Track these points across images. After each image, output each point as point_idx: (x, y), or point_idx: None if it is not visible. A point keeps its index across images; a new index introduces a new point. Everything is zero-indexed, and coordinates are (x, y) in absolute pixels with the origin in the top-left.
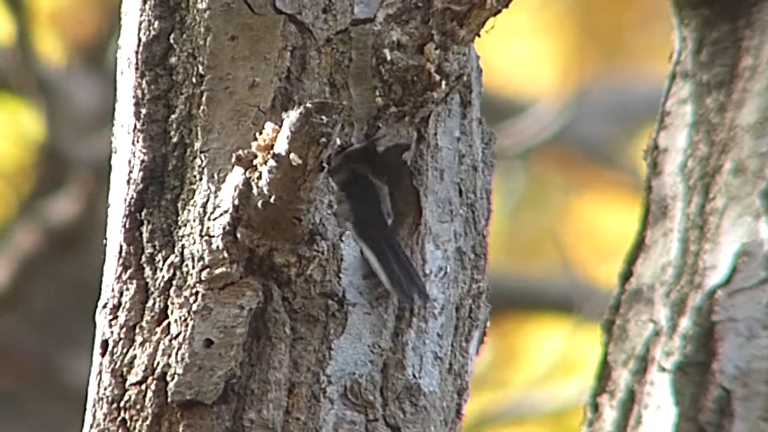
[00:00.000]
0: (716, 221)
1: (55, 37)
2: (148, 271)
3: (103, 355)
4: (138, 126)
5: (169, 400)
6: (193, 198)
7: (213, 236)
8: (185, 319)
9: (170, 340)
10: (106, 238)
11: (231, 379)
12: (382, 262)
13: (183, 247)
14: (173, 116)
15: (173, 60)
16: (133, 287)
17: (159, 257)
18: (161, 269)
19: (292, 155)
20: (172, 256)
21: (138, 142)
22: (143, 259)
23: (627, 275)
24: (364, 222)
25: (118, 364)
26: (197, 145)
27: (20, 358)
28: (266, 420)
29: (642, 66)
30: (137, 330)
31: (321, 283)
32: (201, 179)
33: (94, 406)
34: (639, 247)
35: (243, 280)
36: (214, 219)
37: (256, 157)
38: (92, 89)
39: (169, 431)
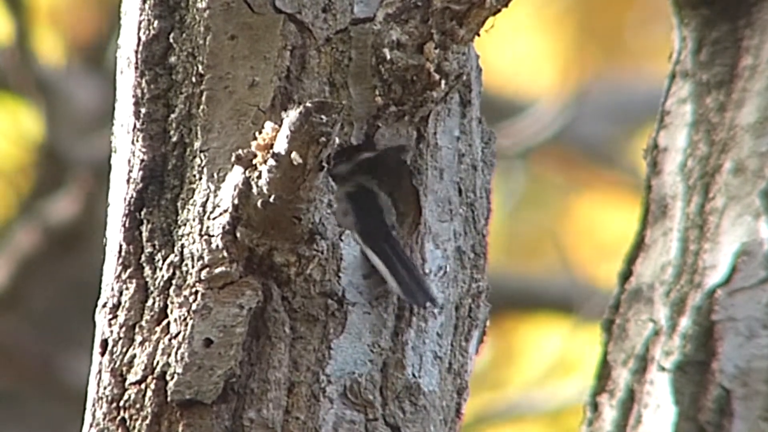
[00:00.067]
0: (716, 221)
1: (55, 37)
2: (147, 271)
3: (102, 354)
4: (138, 125)
5: (168, 399)
6: (192, 197)
7: (213, 235)
8: (185, 319)
9: (170, 340)
10: (105, 238)
11: (230, 378)
12: (390, 269)
13: (183, 246)
14: (173, 115)
15: (173, 59)
16: (132, 286)
17: (159, 256)
18: (161, 268)
19: (292, 154)
20: (172, 256)
21: (138, 141)
22: (143, 258)
23: (627, 275)
24: (368, 231)
25: (118, 363)
26: (197, 144)
27: (20, 358)
28: (266, 419)
29: (642, 66)
30: (137, 329)
31: (320, 283)
32: (201, 178)
33: (93, 405)
34: (639, 246)
35: (242, 280)
36: (214, 218)
37: (255, 156)
38: (92, 89)
39: (168, 430)
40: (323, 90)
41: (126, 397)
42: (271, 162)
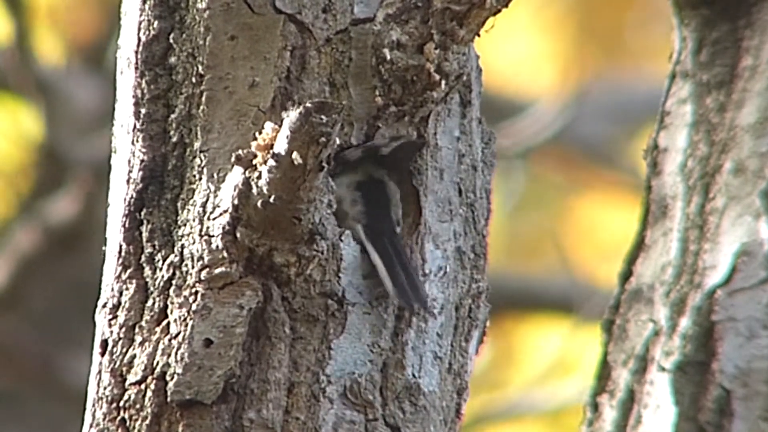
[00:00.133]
0: (716, 221)
1: (55, 37)
2: (147, 271)
3: (102, 354)
4: (137, 126)
5: (168, 399)
6: (192, 197)
7: (212, 236)
8: (185, 319)
9: (170, 340)
10: (105, 238)
11: (230, 378)
12: (388, 268)
13: (183, 246)
14: (173, 116)
15: (173, 60)
16: (132, 287)
17: (158, 257)
18: (161, 269)
19: (292, 155)
20: (172, 256)
21: (137, 141)
22: (143, 258)
23: (627, 275)
24: (374, 226)
25: (118, 363)
26: (197, 144)
27: (20, 358)
28: (266, 419)
29: (642, 66)
30: (137, 329)
31: (320, 283)
32: (201, 179)
33: (93, 405)
34: (639, 246)
35: (242, 280)
36: (214, 219)
37: (255, 156)
38: (92, 89)
39: (168, 431)
40: (323, 90)
41: (126, 397)
42: (271, 162)
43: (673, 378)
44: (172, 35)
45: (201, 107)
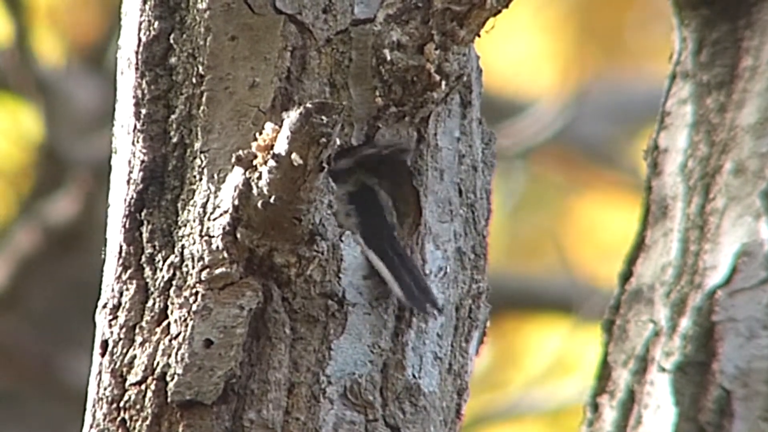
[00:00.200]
0: (716, 221)
1: (55, 37)
2: (148, 271)
3: (102, 355)
4: (138, 126)
5: (168, 400)
6: (193, 198)
7: (213, 236)
8: (185, 319)
9: (170, 340)
10: (105, 239)
11: (231, 379)
12: (393, 273)
13: (183, 247)
14: (173, 116)
15: (173, 60)
16: (132, 287)
17: (159, 257)
18: (161, 269)
19: (292, 155)
20: (172, 257)
21: (138, 142)
22: (143, 259)
23: (627, 275)
24: (371, 234)
25: (118, 364)
26: (197, 145)
27: (20, 358)
28: (266, 420)
29: (642, 66)
30: (137, 330)
31: (321, 284)
32: (201, 179)
33: (93, 406)
34: (639, 247)
35: (243, 281)
36: (214, 219)
37: (256, 157)
38: (92, 89)
39: (168, 431)
40: (324, 91)
41: (126, 397)
42: (272, 163)
43: (674, 378)
44: (172, 36)
45: (201, 108)
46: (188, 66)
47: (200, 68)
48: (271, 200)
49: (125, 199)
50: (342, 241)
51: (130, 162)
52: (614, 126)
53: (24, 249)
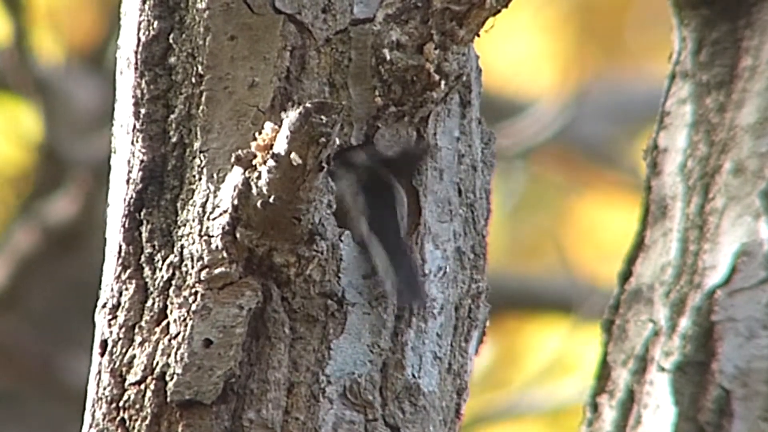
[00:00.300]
0: (716, 221)
1: (54, 37)
2: (147, 271)
3: (102, 354)
4: (137, 126)
5: (168, 399)
6: (192, 198)
7: (212, 236)
8: (184, 319)
9: (169, 340)
10: (105, 238)
11: (230, 378)
12: (388, 263)
13: (182, 246)
14: (172, 116)
15: (172, 60)
16: (132, 287)
17: (158, 257)
18: (160, 269)
19: (291, 155)
20: (172, 256)
21: (137, 142)
22: (142, 258)
23: (626, 275)
24: (378, 220)
25: (118, 363)
26: (196, 144)
27: (20, 358)
28: (265, 420)
29: (642, 66)
30: (136, 330)
31: (320, 283)
32: (200, 179)
33: (93, 405)
34: (638, 247)
35: (242, 280)
36: (214, 219)
37: (255, 157)
38: (92, 89)
39: (168, 431)
40: (323, 90)
41: (126, 397)
42: (271, 163)
43: (673, 378)
44: (171, 35)
45: (201, 107)
46: (187, 66)
47: (199, 68)
48: (271, 200)
49: (125, 199)
50: (341, 240)
51: (129, 162)
52: (614, 126)
53: (24, 249)
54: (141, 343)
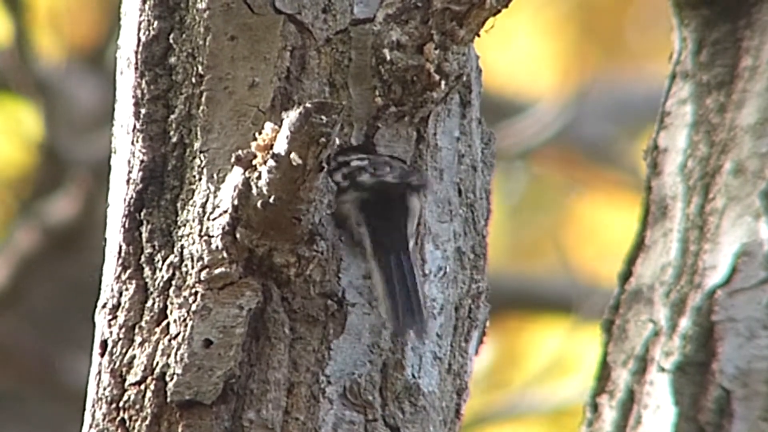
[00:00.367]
0: (716, 221)
1: (54, 37)
2: (147, 271)
3: (102, 355)
4: (137, 126)
5: (168, 400)
6: (192, 198)
7: (212, 236)
8: (184, 319)
9: (169, 340)
10: (105, 238)
11: (230, 379)
12: (388, 290)
13: (182, 247)
14: (173, 116)
15: (173, 60)
16: (132, 287)
17: (158, 257)
18: (160, 269)
19: (291, 155)
20: (172, 256)
21: (137, 142)
22: (142, 259)
23: (627, 275)
24: (382, 241)
25: (118, 364)
26: (197, 145)
27: (20, 358)
28: (265, 420)
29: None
30: (136, 330)
31: (320, 283)
32: (200, 179)
33: (93, 406)
34: (639, 247)
35: (242, 280)
36: (214, 219)
37: (255, 157)
38: (92, 89)
39: (168, 431)
40: (323, 90)
41: (126, 397)
42: (271, 163)
43: (673, 378)
44: (172, 35)
45: (201, 107)
46: (188, 66)
47: (200, 68)
48: (271, 200)
49: (125, 199)
50: (341, 241)
51: (129, 162)
52: (614, 126)
53: (24, 249)
54: (141, 344)
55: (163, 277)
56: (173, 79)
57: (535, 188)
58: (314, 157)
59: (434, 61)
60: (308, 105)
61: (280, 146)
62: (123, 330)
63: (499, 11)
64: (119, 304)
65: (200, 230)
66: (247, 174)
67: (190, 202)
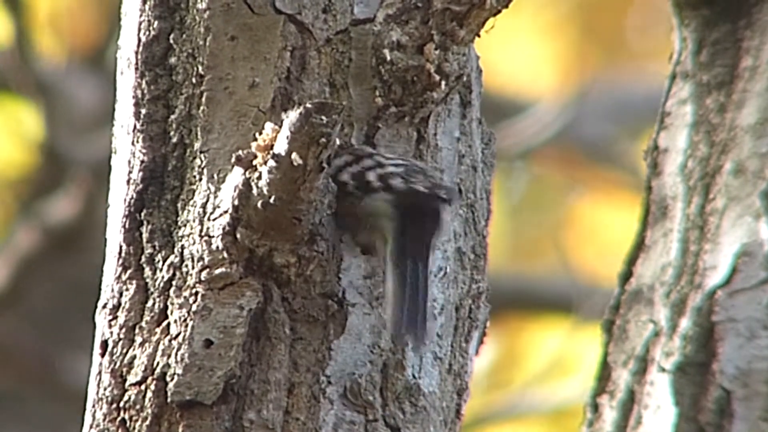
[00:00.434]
0: (716, 221)
1: (55, 38)
2: (147, 272)
3: (102, 355)
4: (138, 126)
5: (168, 400)
6: (192, 198)
7: (213, 236)
8: (185, 320)
9: (170, 341)
10: (105, 239)
11: (231, 379)
12: (395, 296)
13: (183, 247)
14: (173, 116)
15: (173, 60)
16: (132, 287)
17: (159, 257)
18: (161, 269)
19: (292, 155)
20: (172, 257)
21: (138, 142)
22: (143, 259)
23: (627, 275)
24: (404, 247)
25: (118, 364)
26: (197, 145)
27: (20, 358)
28: (266, 420)
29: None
30: (137, 330)
31: (321, 284)
32: (201, 179)
33: (93, 406)
34: (639, 247)
35: (243, 281)
36: (214, 219)
37: (255, 157)
38: (92, 89)
39: (168, 431)
40: (323, 91)
41: (126, 398)
42: (272, 163)
43: (674, 379)
44: (172, 36)
45: (201, 108)
46: (188, 66)
47: (200, 68)
48: (271, 200)
49: (125, 199)
50: (342, 241)
51: (129, 162)
52: (614, 126)
53: (24, 249)
54: (141, 344)
55: (163, 277)
56: (173, 79)
57: (535, 188)
58: (314, 158)
59: (434, 62)
60: (308, 105)
61: (281, 146)
62: (123, 330)
63: (499, 11)
64: (120, 304)
65: (201, 230)
66: (247, 174)
67: (191, 202)
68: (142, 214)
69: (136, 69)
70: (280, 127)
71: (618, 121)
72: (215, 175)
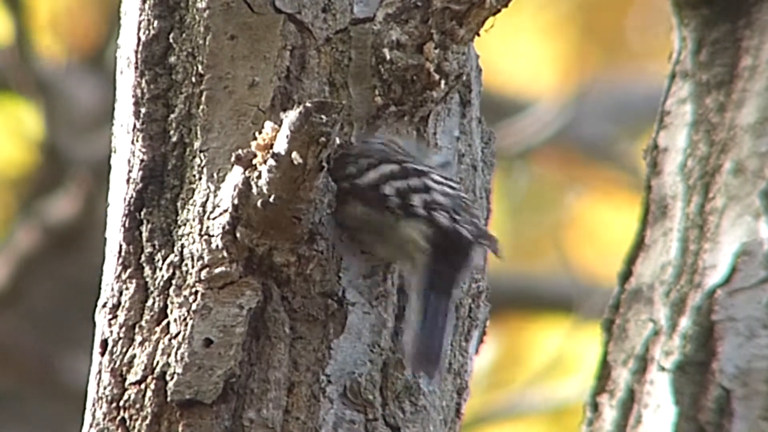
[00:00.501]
0: (716, 221)
1: (55, 37)
2: (147, 271)
3: (102, 354)
4: (137, 125)
5: (168, 399)
6: (192, 197)
7: (212, 235)
8: (185, 319)
9: (170, 340)
10: (105, 238)
11: (230, 378)
12: (417, 327)
13: (182, 246)
14: (173, 115)
15: (173, 59)
16: (132, 286)
17: (158, 256)
18: (161, 268)
19: (292, 154)
20: (172, 256)
21: (137, 141)
22: (143, 258)
23: (627, 275)
24: (434, 279)
25: (118, 363)
26: (197, 144)
27: (20, 358)
28: (266, 419)
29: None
30: (137, 329)
31: (320, 283)
32: (200, 178)
33: (93, 405)
34: (639, 246)
35: (242, 280)
36: (214, 218)
37: (255, 156)
38: (92, 89)
39: (168, 430)
40: (323, 90)
41: (126, 397)
42: (271, 162)
43: (673, 378)
44: (171, 35)
45: (201, 107)
46: (188, 65)
47: (200, 67)
48: (271, 199)
49: (125, 198)
50: (342, 240)
51: (129, 161)
52: (614, 126)
53: (24, 248)
54: (141, 343)
55: (163, 276)
56: (173, 78)
57: (535, 188)
58: (314, 157)
59: (434, 61)
60: (308, 104)
61: (281, 145)
62: (123, 329)
63: (498, 11)
64: (119, 303)
65: (200, 229)
66: (247, 173)
67: (191, 201)
68: (142, 213)
69: (136, 68)
70: (280, 126)
71: (618, 120)
72: (215, 174)
